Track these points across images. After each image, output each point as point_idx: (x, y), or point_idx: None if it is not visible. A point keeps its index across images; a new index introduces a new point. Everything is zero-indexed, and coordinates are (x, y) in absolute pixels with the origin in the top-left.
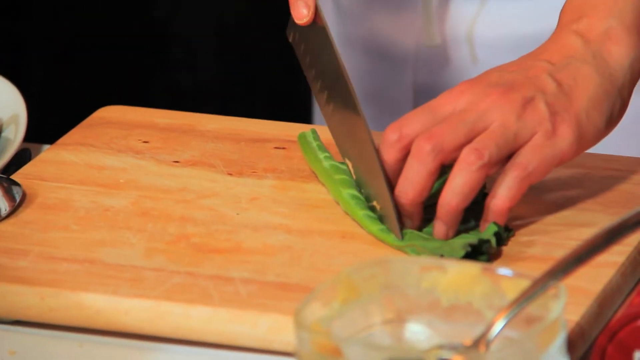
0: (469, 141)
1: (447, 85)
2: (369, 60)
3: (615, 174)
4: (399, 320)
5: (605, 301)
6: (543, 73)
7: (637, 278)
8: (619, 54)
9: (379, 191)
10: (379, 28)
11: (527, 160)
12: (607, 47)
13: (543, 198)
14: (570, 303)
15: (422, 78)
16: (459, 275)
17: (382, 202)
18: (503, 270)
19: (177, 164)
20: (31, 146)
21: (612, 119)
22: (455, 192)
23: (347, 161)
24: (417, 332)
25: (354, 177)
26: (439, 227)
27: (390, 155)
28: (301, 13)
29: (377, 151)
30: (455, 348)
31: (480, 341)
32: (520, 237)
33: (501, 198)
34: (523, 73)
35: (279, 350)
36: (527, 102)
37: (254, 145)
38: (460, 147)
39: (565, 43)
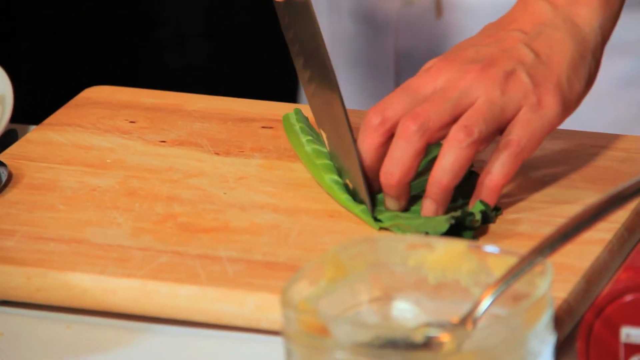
0: (454, 119)
1: (428, 49)
2: (354, 25)
3: (602, 152)
4: (386, 298)
5: (593, 278)
6: (518, 44)
7: (624, 255)
8: (588, 16)
9: (350, 166)
10: None
11: (519, 137)
12: (576, 10)
13: (530, 176)
14: (558, 280)
15: (404, 43)
16: (446, 253)
17: (353, 176)
18: (490, 247)
19: (164, 143)
20: (18, 127)
21: (590, 81)
22: (446, 170)
23: (322, 132)
24: (405, 310)
25: (328, 148)
26: (428, 205)
27: (373, 140)
28: None
29: (350, 127)
30: (442, 326)
31: (468, 319)
32: (507, 215)
33: (496, 175)
34: (498, 46)
35: (267, 329)
36: (509, 76)
37: (241, 124)
38: (446, 126)
39: (533, 10)
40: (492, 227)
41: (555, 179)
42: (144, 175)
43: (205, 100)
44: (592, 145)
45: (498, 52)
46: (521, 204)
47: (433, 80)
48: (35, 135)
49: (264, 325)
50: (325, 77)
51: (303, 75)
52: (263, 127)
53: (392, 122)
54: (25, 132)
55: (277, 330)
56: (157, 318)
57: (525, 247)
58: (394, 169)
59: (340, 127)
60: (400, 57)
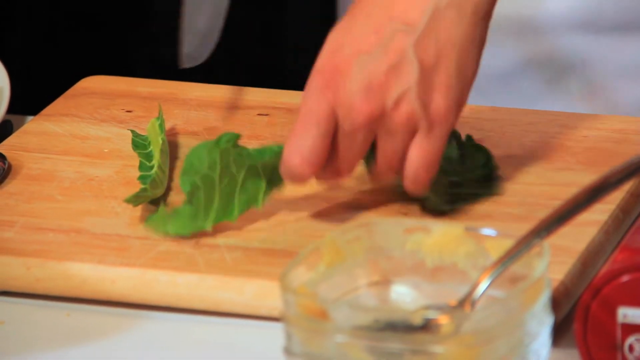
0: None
1: None
2: None
3: (597, 133)
4: (385, 282)
5: (589, 259)
6: (405, 50)
7: (620, 236)
8: None
9: None
10: None
11: (417, 166)
12: None
13: (525, 159)
14: (554, 262)
15: None
16: (443, 236)
17: None
18: (487, 230)
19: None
20: (13, 118)
21: (481, 50)
22: None
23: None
24: (403, 294)
25: None
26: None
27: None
28: None
29: None
30: (440, 308)
31: (466, 301)
32: (504, 198)
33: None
34: (385, 57)
35: (266, 315)
36: (398, 106)
37: (237, 112)
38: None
39: None
40: (488, 209)
41: (550, 162)
42: None
43: (201, 89)
44: (588, 127)
45: (385, 69)
46: (517, 187)
47: (317, 115)
48: (32, 126)
49: (263, 312)
50: None
51: None
52: (259, 115)
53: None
54: (20, 123)
55: (277, 317)
56: (156, 306)
57: (521, 229)
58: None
59: None
60: None
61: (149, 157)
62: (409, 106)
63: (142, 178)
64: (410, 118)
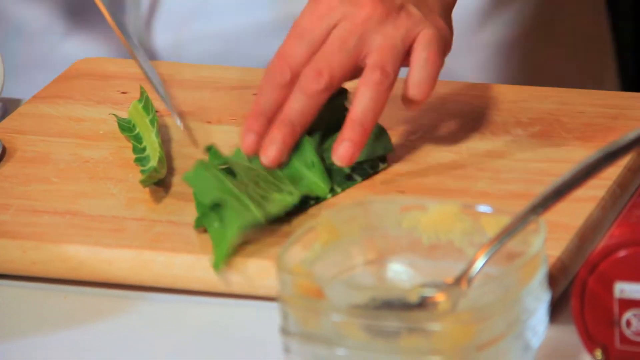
0: (356, 65)
1: None
2: None
3: (593, 109)
4: (381, 260)
5: (586, 236)
6: None
7: (617, 212)
8: None
9: None
10: None
11: (427, 53)
12: None
13: (521, 135)
14: (551, 239)
15: None
16: (439, 214)
17: None
18: (483, 207)
19: (156, 113)
20: (7, 100)
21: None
22: (367, 110)
23: None
24: (399, 272)
25: None
26: (347, 148)
27: (280, 95)
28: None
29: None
30: (437, 286)
31: (462, 278)
32: (500, 175)
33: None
34: None
35: (263, 295)
36: (400, 9)
37: (233, 92)
38: (348, 73)
39: None
40: (484, 186)
41: (546, 138)
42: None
43: (197, 70)
44: (583, 103)
45: None
46: (513, 164)
47: (324, 19)
48: (27, 109)
49: (260, 292)
50: None
51: None
52: (255, 94)
53: (297, 74)
54: (15, 106)
55: (274, 296)
56: (153, 287)
57: (518, 206)
58: (295, 119)
59: None
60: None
61: (138, 139)
62: (411, 11)
63: (138, 160)
64: (414, 20)
